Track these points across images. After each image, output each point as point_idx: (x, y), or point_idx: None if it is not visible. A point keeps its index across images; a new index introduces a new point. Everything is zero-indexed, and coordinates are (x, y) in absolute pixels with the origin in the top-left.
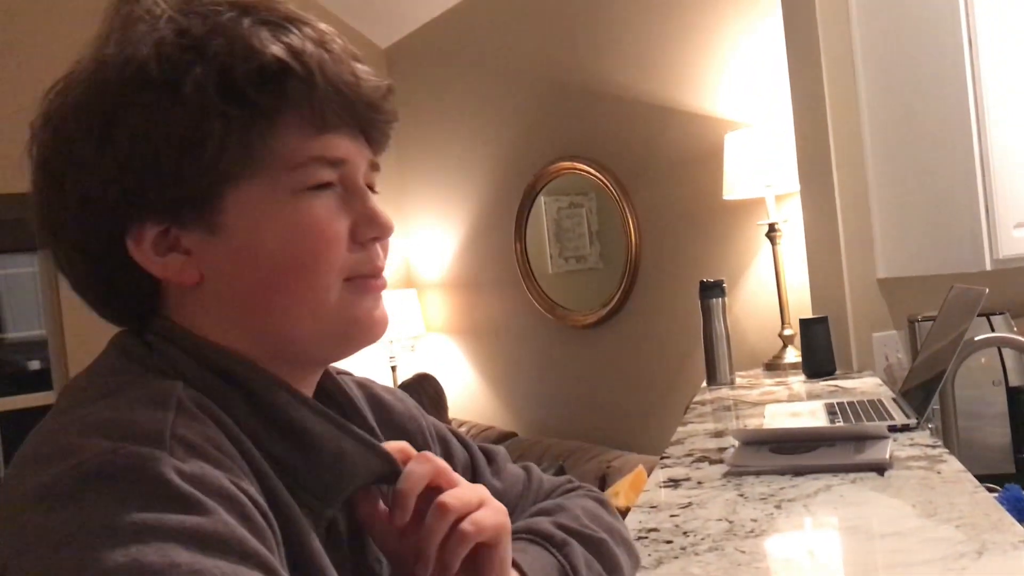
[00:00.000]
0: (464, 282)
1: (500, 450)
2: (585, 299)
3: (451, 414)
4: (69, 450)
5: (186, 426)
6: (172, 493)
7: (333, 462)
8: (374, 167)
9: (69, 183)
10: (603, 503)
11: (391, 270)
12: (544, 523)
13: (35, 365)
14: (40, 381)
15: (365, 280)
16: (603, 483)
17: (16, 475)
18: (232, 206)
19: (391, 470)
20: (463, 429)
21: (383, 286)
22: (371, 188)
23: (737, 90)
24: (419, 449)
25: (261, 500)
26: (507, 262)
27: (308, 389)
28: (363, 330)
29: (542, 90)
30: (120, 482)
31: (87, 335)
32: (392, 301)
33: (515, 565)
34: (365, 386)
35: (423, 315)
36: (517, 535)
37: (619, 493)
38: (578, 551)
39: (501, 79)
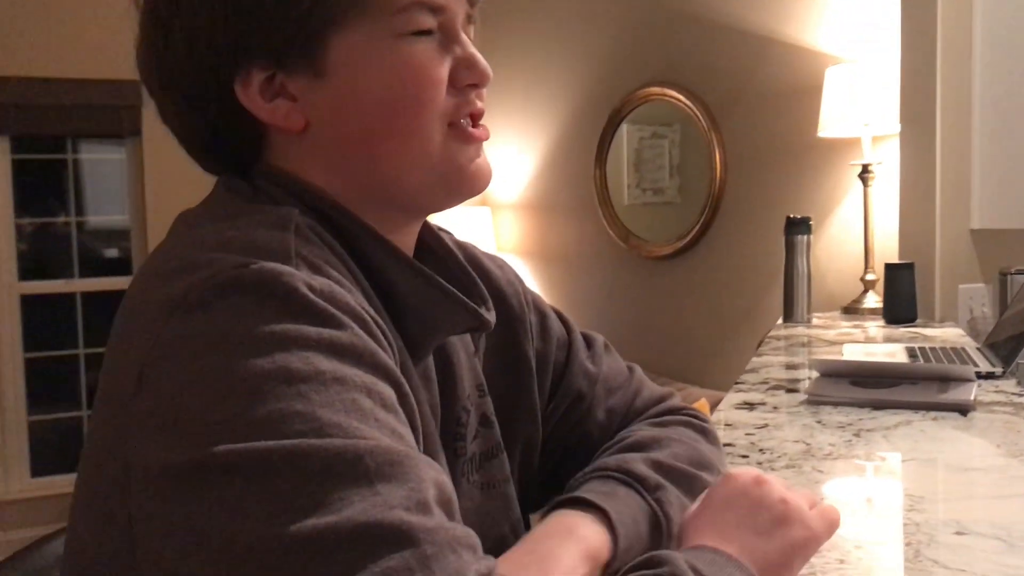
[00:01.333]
0: (539, 205)
1: (602, 339)
2: (661, 231)
3: None
4: (198, 264)
5: (307, 248)
6: (306, 305)
7: (416, 315)
8: (470, 19)
9: (177, 29)
10: (704, 431)
11: None
12: (638, 462)
13: (113, 252)
14: (119, 267)
15: (467, 129)
16: None
17: (141, 289)
18: (336, 50)
19: (479, 323)
20: None
21: (485, 135)
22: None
23: (841, 23)
24: (514, 316)
25: (381, 322)
26: (585, 187)
27: (407, 240)
28: (466, 179)
29: (638, 11)
30: (255, 294)
31: (168, 224)
32: (464, 218)
33: (600, 511)
34: (465, 247)
35: (495, 235)
36: (608, 473)
37: None
38: (672, 495)
39: None
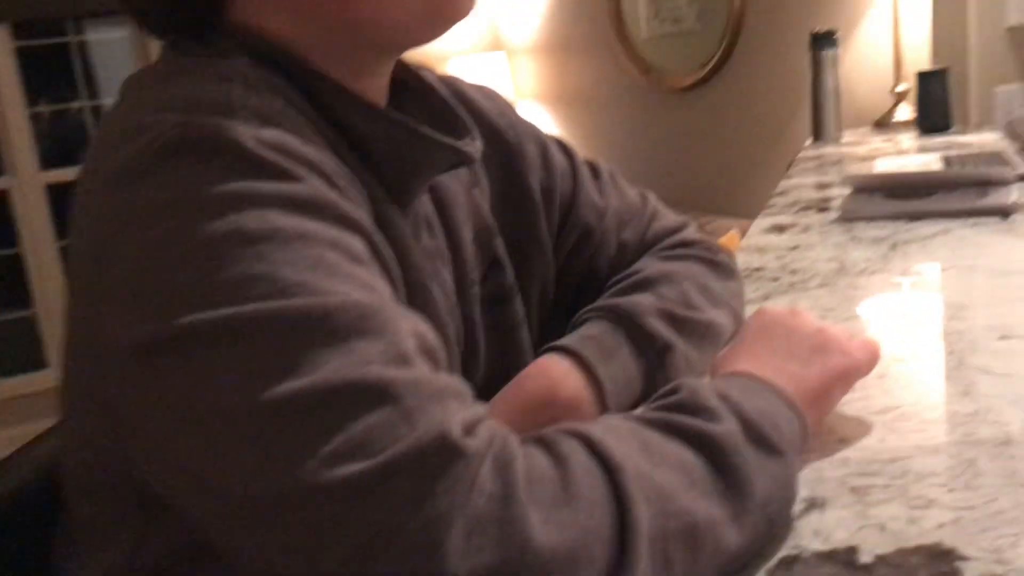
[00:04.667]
0: (554, 45)
1: (608, 167)
2: (682, 61)
3: None
4: (141, 128)
5: (255, 98)
6: (256, 160)
7: (390, 161)
8: None
9: None
10: (716, 265)
11: (475, 31)
12: (648, 312)
13: None
14: None
15: None
16: None
17: (91, 164)
18: None
19: (460, 157)
20: None
21: None
22: None
23: None
24: (511, 149)
25: (345, 170)
26: (600, 22)
27: (379, 83)
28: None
29: None
30: (199, 153)
31: None
32: (479, 66)
33: (590, 371)
34: (450, 81)
35: (513, 81)
36: (618, 314)
37: None
38: (679, 355)
39: None
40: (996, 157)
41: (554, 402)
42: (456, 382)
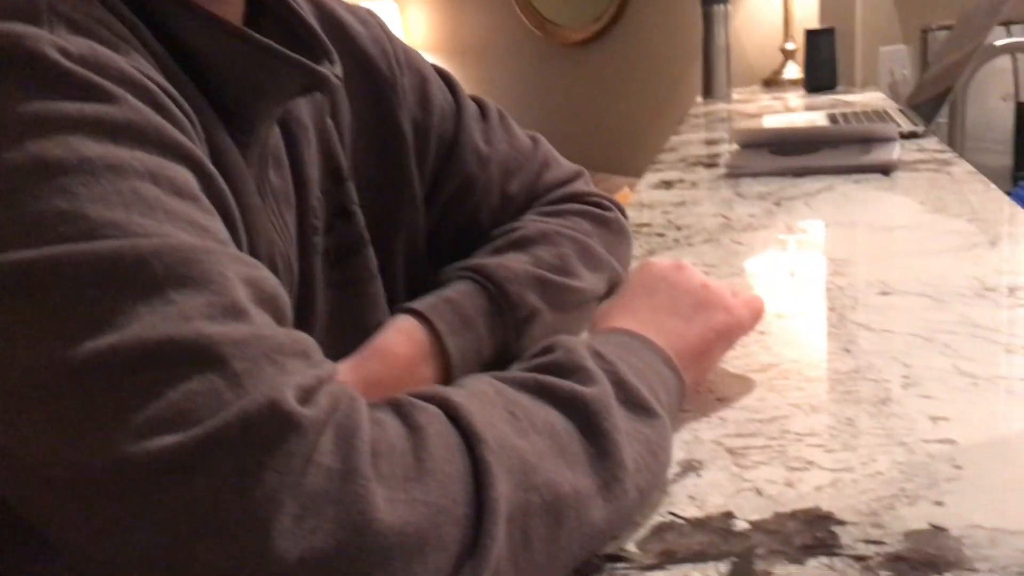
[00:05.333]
0: None
1: (497, 107)
2: (576, 14)
3: None
4: None
5: (66, 3)
6: (62, 76)
7: (231, 81)
8: None
9: None
10: (605, 222)
11: None
12: (518, 278)
13: None
14: None
15: None
16: None
17: None
18: None
19: (315, 80)
20: None
21: None
22: None
23: None
24: (382, 81)
25: (173, 90)
26: None
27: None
28: None
29: None
30: None
31: None
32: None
33: (440, 340)
34: (319, 3)
35: (404, 30)
36: (485, 276)
37: None
38: (543, 324)
39: None
40: (879, 115)
41: (400, 370)
42: (299, 337)
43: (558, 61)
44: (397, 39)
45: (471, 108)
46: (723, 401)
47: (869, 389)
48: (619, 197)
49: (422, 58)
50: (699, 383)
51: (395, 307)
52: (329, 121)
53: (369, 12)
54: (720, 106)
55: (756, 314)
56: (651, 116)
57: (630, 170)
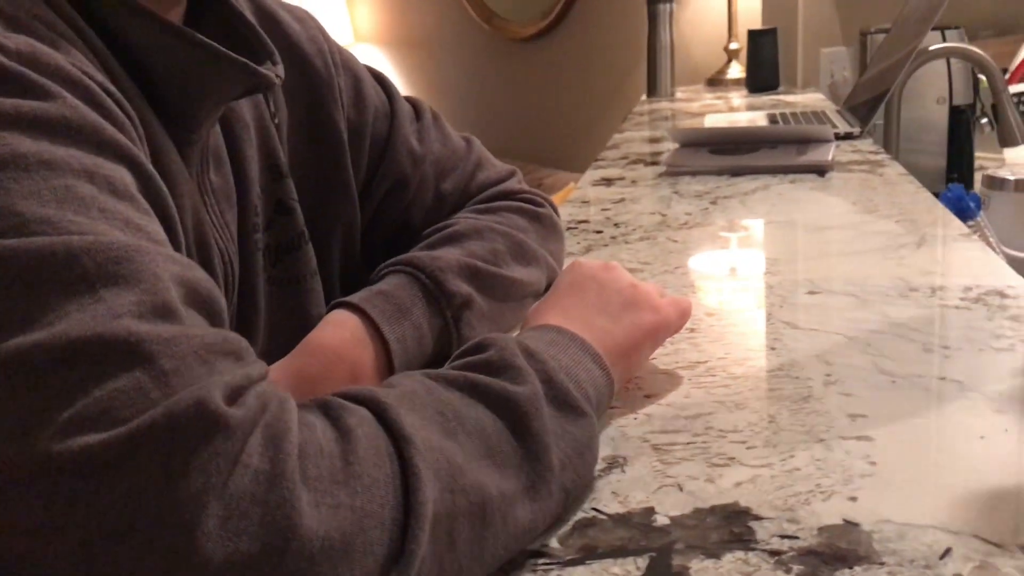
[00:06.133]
0: None
1: (430, 108)
2: (524, 9)
3: None
4: None
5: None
6: None
7: (173, 81)
8: None
9: None
10: (538, 217)
11: None
12: (450, 268)
13: None
14: None
15: None
16: None
17: None
18: None
19: (256, 80)
20: None
21: None
22: None
23: None
24: (319, 80)
25: (113, 89)
26: None
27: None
28: None
29: None
30: None
31: None
32: (315, 5)
33: (378, 330)
34: (257, 2)
35: (352, 22)
36: (417, 267)
37: None
38: (477, 313)
39: None
40: (818, 116)
41: (338, 363)
42: (230, 337)
43: (505, 55)
44: (332, 39)
45: (405, 108)
46: (650, 398)
47: (792, 386)
48: (564, 192)
49: (356, 59)
50: (626, 381)
51: (330, 303)
52: (269, 118)
53: (305, 12)
54: (664, 104)
55: (683, 314)
56: (597, 112)
57: (575, 166)
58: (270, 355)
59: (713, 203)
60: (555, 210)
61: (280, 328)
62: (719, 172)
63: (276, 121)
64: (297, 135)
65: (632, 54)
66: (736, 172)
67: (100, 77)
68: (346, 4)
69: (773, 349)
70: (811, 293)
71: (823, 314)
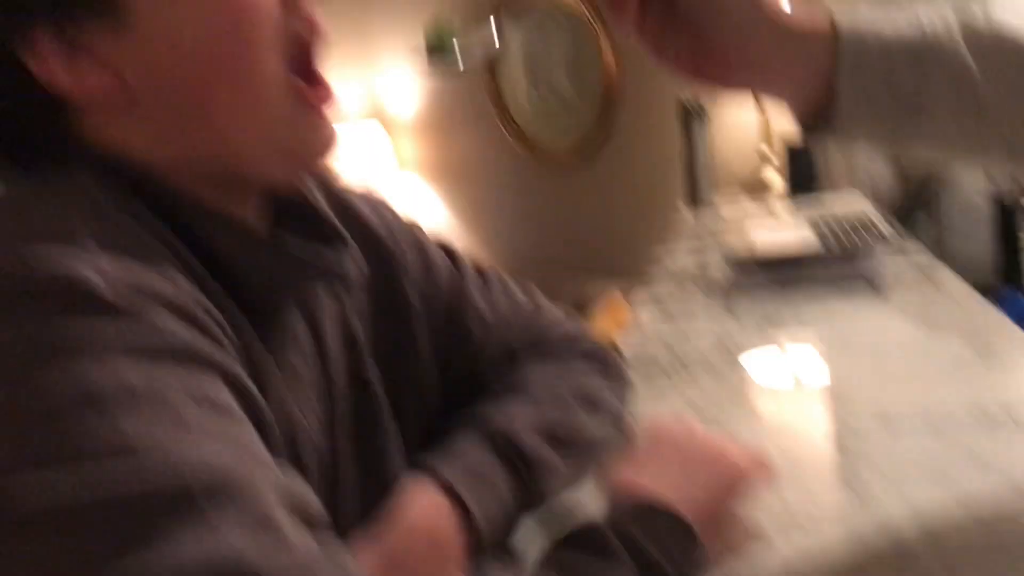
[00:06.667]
0: (435, 118)
1: (497, 273)
2: (561, 134)
3: None
4: None
5: (102, 225)
6: (99, 297)
7: (258, 285)
8: None
9: None
10: (605, 366)
11: (354, 102)
12: (524, 429)
13: None
14: None
15: (307, 92)
16: (579, 311)
17: None
18: None
19: (336, 272)
20: None
21: (328, 96)
22: None
23: None
24: (390, 258)
25: (203, 298)
26: (478, 97)
27: (249, 201)
28: (309, 141)
29: None
30: (31, 293)
31: None
32: (359, 136)
33: (463, 505)
34: (334, 193)
35: (396, 152)
36: (492, 429)
37: (596, 320)
38: (553, 473)
39: None
40: (863, 224)
41: (430, 545)
42: (335, 550)
43: (546, 178)
44: (401, 218)
45: (473, 274)
46: (733, 551)
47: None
48: (612, 306)
49: (424, 232)
50: (717, 543)
51: (411, 460)
52: (345, 296)
53: (375, 196)
54: (704, 213)
55: (759, 465)
56: (636, 220)
57: (620, 272)
58: (359, 522)
59: (770, 323)
60: (620, 355)
61: (366, 497)
62: (772, 291)
63: (350, 301)
64: (372, 311)
65: (666, 161)
66: (790, 292)
67: (191, 289)
68: (388, 135)
69: (852, 488)
70: (884, 424)
71: (900, 446)
